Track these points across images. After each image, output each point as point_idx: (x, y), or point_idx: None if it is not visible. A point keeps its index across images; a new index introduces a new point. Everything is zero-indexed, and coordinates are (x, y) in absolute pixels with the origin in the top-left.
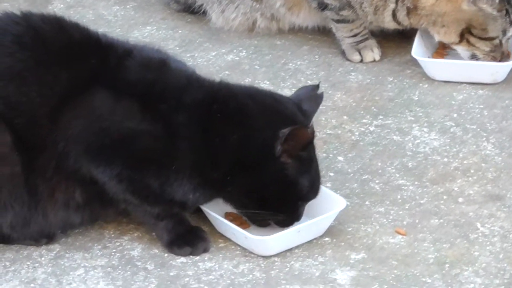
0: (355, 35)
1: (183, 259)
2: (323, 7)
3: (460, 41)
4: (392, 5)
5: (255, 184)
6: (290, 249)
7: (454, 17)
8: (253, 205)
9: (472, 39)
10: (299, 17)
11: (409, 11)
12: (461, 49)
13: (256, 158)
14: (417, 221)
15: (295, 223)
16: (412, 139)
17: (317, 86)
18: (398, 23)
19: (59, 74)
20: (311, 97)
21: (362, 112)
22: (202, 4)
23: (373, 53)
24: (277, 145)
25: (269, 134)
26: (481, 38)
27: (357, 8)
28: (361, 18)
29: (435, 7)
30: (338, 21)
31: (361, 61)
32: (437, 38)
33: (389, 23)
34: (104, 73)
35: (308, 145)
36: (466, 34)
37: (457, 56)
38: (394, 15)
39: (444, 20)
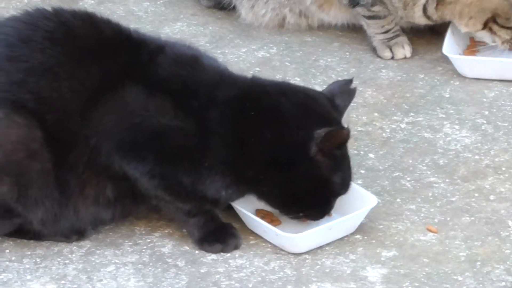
0: (386, 32)
1: (214, 256)
2: (354, 3)
3: (483, 29)
4: (422, 0)
5: (288, 182)
6: (321, 247)
7: (480, 6)
8: (286, 202)
9: (495, 27)
10: (329, 14)
11: (438, 3)
12: (483, 34)
13: (290, 157)
14: (448, 218)
15: (326, 218)
16: (443, 136)
17: (350, 81)
18: (428, 17)
19: (91, 69)
20: (344, 91)
21: (393, 109)
22: (231, 0)
23: (404, 50)
24: (312, 146)
25: (304, 134)
26: (503, 27)
27: (388, 3)
28: (392, 13)
29: None
30: (369, 18)
31: (392, 58)
32: (463, 29)
33: (419, 19)
34: (136, 69)
35: (343, 145)
36: (490, 23)
37: (488, 54)
38: (424, 9)
39: (471, 11)
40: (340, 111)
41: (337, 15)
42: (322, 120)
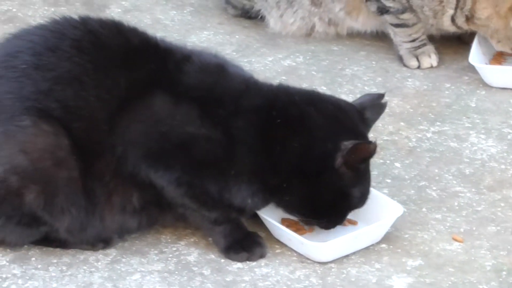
0: (413, 40)
1: (239, 264)
2: (383, 11)
3: None
4: (450, 11)
5: (309, 191)
6: (347, 256)
7: (505, 34)
8: (302, 210)
9: None
10: (358, 21)
11: (467, 19)
12: None
13: (315, 167)
14: (474, 228)
15: (352, 227)
16: (469, 145)
17: (382, 95)
18: (458, 27)
19: (118, 78)
20: (375, 105)
21: (419, 118)
22: (260, 10)
23: (430, 59)
24: (338, 157)
25: (330, 145)
26: None
27: (419, 11)
28: (422, 21)
29: (489, 21)
30: (397, 26)
31: (418, 67)
32: (495, 47)
33: (449, 27)
34: (162, 78)
35: (367, 159)
36: None
37: None
38: (453, 20)
39: (499, 36)
40: (368, 124)
41: (365, 22)
42: (350, 133)
